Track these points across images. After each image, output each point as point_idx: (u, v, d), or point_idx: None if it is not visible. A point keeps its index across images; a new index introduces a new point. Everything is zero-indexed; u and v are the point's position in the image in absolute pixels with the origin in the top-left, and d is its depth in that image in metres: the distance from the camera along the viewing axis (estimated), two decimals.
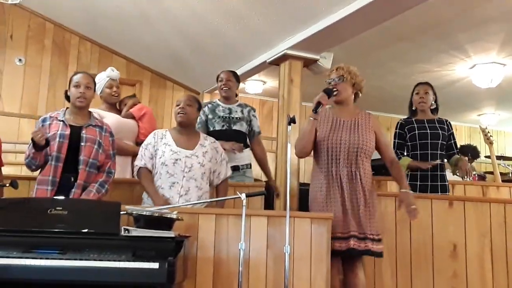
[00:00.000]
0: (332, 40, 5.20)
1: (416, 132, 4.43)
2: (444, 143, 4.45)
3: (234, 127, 4.67)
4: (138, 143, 4.46)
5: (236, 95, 4.95)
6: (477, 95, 8.27)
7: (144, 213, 2.95)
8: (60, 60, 7.64)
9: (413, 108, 4.59)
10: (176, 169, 3.63)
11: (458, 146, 4.69)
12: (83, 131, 3.55)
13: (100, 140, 3.58)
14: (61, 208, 2.90)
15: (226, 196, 3.83)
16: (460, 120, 10.05)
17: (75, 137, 3.52)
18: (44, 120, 3.61)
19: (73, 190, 3.44)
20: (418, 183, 4.36)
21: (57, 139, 3.47)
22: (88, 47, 7.86)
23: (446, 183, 4.42)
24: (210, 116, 4.69)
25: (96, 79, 4.43)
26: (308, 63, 5.50)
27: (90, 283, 2.71)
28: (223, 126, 4.65)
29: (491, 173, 6.54)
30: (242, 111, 4.76)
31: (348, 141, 3.52)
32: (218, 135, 4.36)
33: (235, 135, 4.63)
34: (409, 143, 4.48)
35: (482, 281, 3.90)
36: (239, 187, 4.22)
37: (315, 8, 4.71)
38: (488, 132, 6.30)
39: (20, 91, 7.39)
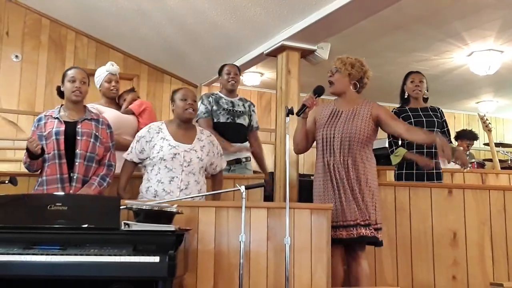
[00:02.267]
0: (329, 30, 5.19)
1: (412, 120, 4.40)
2: (439, 130, 4.44)
3: (238, 121, 4.69)
4: None
5: None
6: (475, 82, 8.26)
7: (144, 207, 2.95)
8: (57, 56, 7.62)
9: (405, 96, 4.59)
10: (174, 163, 3.63)
11: (452, 134, 4.66)
12: (79, 126, 3.55)
13: (97, 133, 3.59)
14: (60, 204, 2.91)
15: (222, 187, 3.86)
16: (459, 108, 10.04)
17: (70, 133, 3.52)
18: (39, 120, 3.62)
19: (73, 184, 3.45)
20: (415, 171, 4.35)
21: (53, 137, 3.48)
22: (84, 42, 7.84)
23: (440, 171, 4.42)
24: (215, 108, 4.68)
25: (96, 74, 4.48)
26: (306, 54, 5.49)
27: (91, 278, 2.73)
28: (227, 118, 4.66)
29: (490, 160, 6.56)
30: (243, 105, 4.79)
31: (341, 131, 3.56)
32: (223, 127, 4.50)
33: (238, 128, 4.67)
34: None
35: (482, 268, 3.92)
36: (238, 179, 4.23)
37: None
38: (487, 119, 6.31)
39: (18, 88, 7.38)
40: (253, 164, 4.94)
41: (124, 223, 2.86)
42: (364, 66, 3.69)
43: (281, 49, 5.44)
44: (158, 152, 3.66)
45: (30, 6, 7.49)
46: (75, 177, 3.46)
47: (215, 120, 4.63)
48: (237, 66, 5.00)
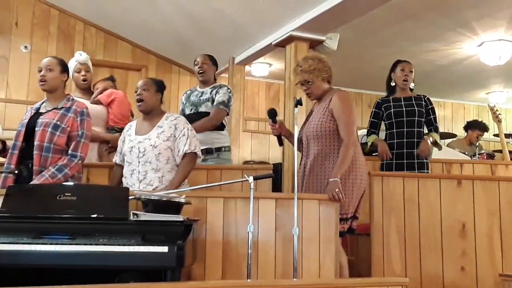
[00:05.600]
0: (338, 20, 5.17)
1: (392, 110, 4.47)
2: (422, 119, 4.45)
3: (200, 109, 4.60)
4: (109, 128, 4.44)
5: (215, 79, 4.85)
6: (485, 73, 8.20)
7: (152, 198, 2.95)
8: (65, 47, 7.63)
9: (392, 84, 4.59)
10: (132, 156, 3.64)
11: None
12: (42, 116, 3.52)
13: (58, 122, 3.48)
14: (70, 194, 2.93)
15: (187, 171, 3.65)
16: (468, 99, 9.96)
17: (32, 124, 3.50)
18: (26, 112, 3.67)
19: (33, 177, 3.38)
20: (394, 161, 4.41)
21: (19, 128, 3.52)
22: (93, 32, 7.84)
23: (424, 161, 4.42)
24: (184, 103, 4.75)
25: (68, 65, 4.40)
26: (314, 44, 5.48)
27: (100, 268, 2.73)
28: (191, 110, 4.64)
29: (500, 151, 6.52)
30: (211, 92, 4.64)
31: (304, 132, 3.67)
32: (188, 119, 4.11)
33: (200, 117, 4.51)
34: (386, 122, 4.52)
35: (491, 259, 3.90)
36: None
37: None
38: (497, 110, 6.26)
39: (27, 78, 7.39)
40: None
41: (133, 213, 2.87)
42: (326, 61, 3.66)
43: (290, 39, 5.43)
44: (122, 150, 3.76)
45: None
46: (33, 169, 3.39)
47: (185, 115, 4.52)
48: (208, 55, 4.79)
